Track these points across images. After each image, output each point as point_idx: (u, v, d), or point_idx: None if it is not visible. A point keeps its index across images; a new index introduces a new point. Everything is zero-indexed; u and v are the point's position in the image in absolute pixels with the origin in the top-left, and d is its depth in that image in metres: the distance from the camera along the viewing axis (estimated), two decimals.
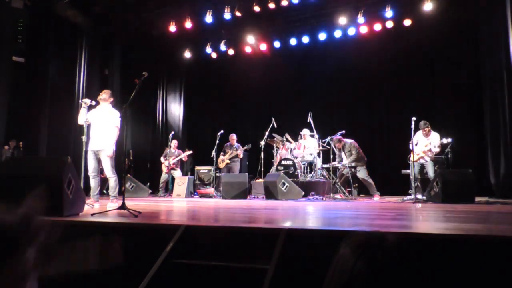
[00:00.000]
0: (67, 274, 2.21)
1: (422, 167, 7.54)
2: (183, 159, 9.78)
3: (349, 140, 8.07)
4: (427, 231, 2.70)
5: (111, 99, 5.54)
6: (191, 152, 10.00)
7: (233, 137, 9.74)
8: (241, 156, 9.70)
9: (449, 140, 7.15)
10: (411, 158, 7.30)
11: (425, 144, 7.33)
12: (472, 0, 8.54)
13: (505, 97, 7.62)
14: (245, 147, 9.55)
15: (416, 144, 7.22)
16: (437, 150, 7.31)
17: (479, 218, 3.75)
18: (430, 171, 7.34)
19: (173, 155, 9.61)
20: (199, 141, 11.60)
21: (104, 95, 5.50)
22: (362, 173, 7.86)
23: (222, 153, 9.56)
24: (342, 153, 8.16)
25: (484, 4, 8.33)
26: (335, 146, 8.13)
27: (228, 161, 9.49)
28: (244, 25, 10.25)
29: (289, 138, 9.24)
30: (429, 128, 7.36)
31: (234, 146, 9.63)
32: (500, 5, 7.71)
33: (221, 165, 9.50)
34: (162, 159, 9.71)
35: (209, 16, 9.53)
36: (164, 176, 9.53)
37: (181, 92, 12.31)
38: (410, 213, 4.60)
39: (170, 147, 9.64)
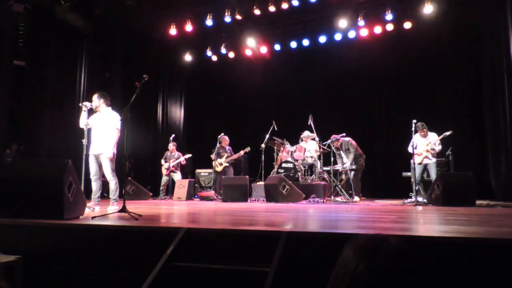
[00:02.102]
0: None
1: (425, 169, 7.51)
2: (182, 162, 9.75)
3: (346, 138, 8.04)
4: (428, 234, 2.69)
5: (102, 100, 5.43)
6: (190, 155, 9.91)
7: (226, 138, 9.58)
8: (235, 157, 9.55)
9: (450, 132, 7.08)
10: (414, 161, 7.28)
11: (426, 144, 7.33)
12: (472, 2, 8.55)
13: (506, 100, 7.62)
14: (245, 150, 9.33)
15: (415, 147, 7.19)
16: (440, 147, 7.31)
17: (480, 221, 3.75)
18: (433, 173, 7.31)
19: (172, 157, 9.60)
20: (199, 144, 11.58)
21: (94, 102, 5.42)
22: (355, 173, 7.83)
23: (213, 155, 9.34)
24: (341, 152, 8.13)
25: (484, 6, 8.34)
26: (334, 146, 8.12)
27: (227, 164, 9.37)
28: (245, 28, 10.27)
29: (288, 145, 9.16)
30: (427, 129, 7.38)
31: (227, 149, 9.49)
32: (500, 6, 7.72)
33: (219, 169, 9.31)
34: (162, 161, 9.71)
35: (210, 19, 9.54)
36: (164, 179, 9.51)
37: (182, 95, 12.33)
38: (411, 216, 4.59)
39: (168, 149, 9.64)
